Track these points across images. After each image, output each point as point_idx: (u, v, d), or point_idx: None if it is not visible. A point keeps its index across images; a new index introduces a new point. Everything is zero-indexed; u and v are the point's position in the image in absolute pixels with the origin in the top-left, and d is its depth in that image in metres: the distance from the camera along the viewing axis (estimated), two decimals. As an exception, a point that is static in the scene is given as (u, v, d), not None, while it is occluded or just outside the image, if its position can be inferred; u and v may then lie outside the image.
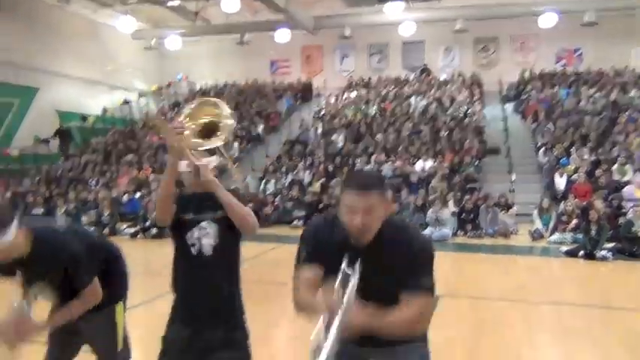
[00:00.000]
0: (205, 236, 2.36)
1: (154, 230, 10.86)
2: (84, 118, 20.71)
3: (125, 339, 2.78)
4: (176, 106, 22.53)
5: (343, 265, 1.96)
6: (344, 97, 21.03)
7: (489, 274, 7.81)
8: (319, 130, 17.91)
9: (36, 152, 18.03)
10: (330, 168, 14.75)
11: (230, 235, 2.38)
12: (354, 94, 20.77)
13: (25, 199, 13.35)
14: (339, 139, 16.85)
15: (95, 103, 21.81)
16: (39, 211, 12.37)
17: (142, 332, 3.56)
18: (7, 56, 18.41)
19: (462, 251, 9.94)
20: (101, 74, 22.32)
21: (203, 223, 2.36)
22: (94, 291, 2.50)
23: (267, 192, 13.80)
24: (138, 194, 13.55)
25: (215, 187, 2.31)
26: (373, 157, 15.05)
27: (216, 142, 2.41)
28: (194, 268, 2.38)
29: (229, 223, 2.34)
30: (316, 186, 13.91)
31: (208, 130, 2.43)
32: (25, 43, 18.94)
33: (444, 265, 7.13)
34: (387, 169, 14.26)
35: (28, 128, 19.02)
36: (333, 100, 21.02)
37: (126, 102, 21.53)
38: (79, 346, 2.75)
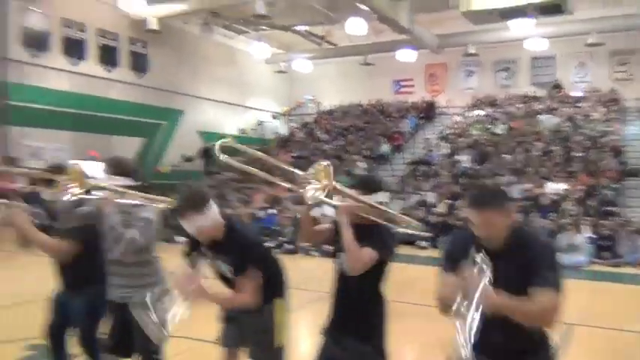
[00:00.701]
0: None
1: (290, 246, 11.61)
2: (222, 138, 22.49)
3: (282, 345, 3.12)
4: (304, 126, 23.72)
5: (478, 259, 2.29)
6: (469, 116, 20.87)
7: (627, 306, 7.52)
8: (443, 150, 17.97)
9: (183, 169, 19.95)
10: (456, 189, 14.78)
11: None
12: (478, 113, 20.52)
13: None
14: (464, 159, 16.79)
15: (232, 123, 23.61)
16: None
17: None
18: (158, 83, 20.66)
19: (597, 280, 9.56)
20: (237, 97, 24.16)
21: None
22: (257, 290, 2.89)
23: (393, 212, 14.12)
24: (272, 211, 14.52)
25: (342, 226, 2.64)
26: (501, 179, 14.85)
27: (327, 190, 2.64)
28: (340, 285, 2.82)
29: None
30: (442, 207, 14.01)
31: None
32: (174, 70, 21.12)
33: (579, 294, 7.01)
34: (515, 191, 14.01)
35: (175, 147, 21.09)
36: (457, 118, 20.93)
37: (260, 123, 23.03)
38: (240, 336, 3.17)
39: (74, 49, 18.24)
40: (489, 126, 18.97)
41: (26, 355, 4.47)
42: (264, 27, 22.48)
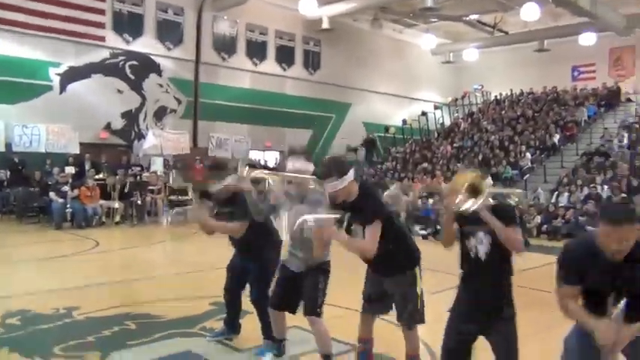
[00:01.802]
0: (480, 244, 2.99)
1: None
2: (386, 129, 23.11)
3: (422, 305, 3.52)
4: (470, 116, 23.29)
5: (610, 297, 2.50)
6: (659, 103, 18.76)
7: None
8: (625, 141, 16.45)
9: (347, 160, 20.97)
10: (635, 183, 13.54)
11: (500, 246, 2.94)
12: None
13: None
14: (648, 150, 15.26)
15: (396, 115, 24.08)
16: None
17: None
18: (329, 78, 21.95)
19: None
20: (403, 89, 24.57)
21: (479, 234, 2.98)
22: (376, 239, 3.26)
23: (560, 204, 13.42)
24: (430, 200, 14.73)
25: (492, 224, 2.87)
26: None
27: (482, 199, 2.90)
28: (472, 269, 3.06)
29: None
30: (616, 201, 12.96)
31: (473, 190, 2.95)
32: (344, 65, 22.22)
33: None
34: None
35: (341, 138, 22.23)
36: (645, 106, 18.94)
37: (423, 114, 23.17)
38: (388, 302, 3.60)
39: (256, 50, 20.25)
40: (683, 113, 16.87)
41: (210, 309, 5.40)
42: (433, 19, 22.57)
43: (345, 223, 3.43)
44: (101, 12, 16.21)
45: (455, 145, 20.00)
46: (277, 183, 3.94)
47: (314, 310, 3.76)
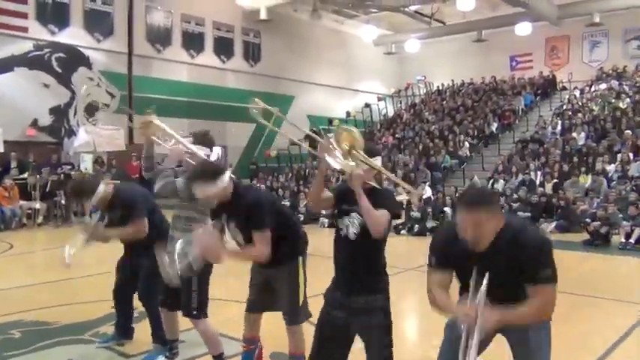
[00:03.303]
0: (352, 225, 2.77)
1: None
2: (330, 121, 22.94)
3: (305, 298, 3.32)
4: (412, 107, 23.41)
5: (472, 278, 2.35)
6: (591, 91, 19.26)
7: None
8: (558, 128, 16.82)
9: (290, 153, 20.74)
10: (566, 168, 13.84)
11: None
12: (601, 87, 18.86)
13: (277, 192, 15.59)
14: (580, 136, 15.61)
15: (340, 107, 23.95)
16: (286, 203, 14.31)
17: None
18: (270, 70, 21.60)
19: None
20: (345, 80, 24.45)
21: (353, 214, 2.76)
22: (264, 244, 3.06)
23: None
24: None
25: (358, 195, 2.64)
26: (619, 156, 13.65)
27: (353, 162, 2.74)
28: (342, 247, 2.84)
29: None
30: (548, 187, 13.22)
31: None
32: (285, 57, 21.89)
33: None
34: (634, 169, 12.85)
35: (284, 132, 21.91)
36: (577, 94, 19.42)
37: (367, 105, 23.13)
38: (272, 296, 3.37)
39: (193, 42, 19.67)
40: (612, 100, 17.36)
41: (109, 313, 4.84)
42: (373, 9, 22.50)
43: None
44: (23, 1, 15.33)
45: (397, 135, 20.04)
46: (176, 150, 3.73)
47: (190, 312, 3.51)
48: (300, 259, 3.33)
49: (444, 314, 2.49)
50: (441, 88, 24.39)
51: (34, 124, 15.73)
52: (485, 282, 2.27)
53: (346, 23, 23.80)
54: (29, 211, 12.24)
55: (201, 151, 3.74)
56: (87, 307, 5.34)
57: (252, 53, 21.57)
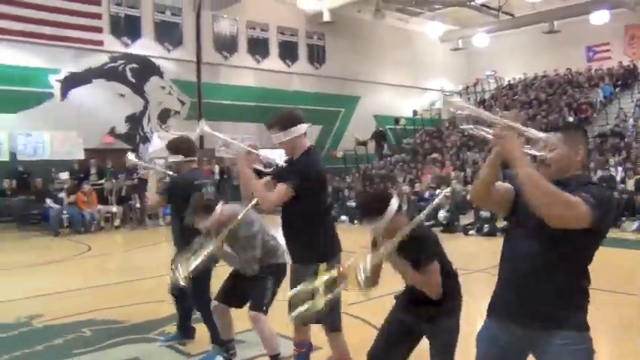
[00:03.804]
0: None
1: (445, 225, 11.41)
2: (397, 120, 22.67)
3: (334, 305, 3.05)
4: (482, 103, 22.71)
5: None
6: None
7: None
8: (641, 120, 15.81)
9: (356, 153, 20.67)
10: (650, 163, 12.96)
11: None
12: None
13: (343, 193, 15.56)
14: (665, 128, 14.59)
15: (407, 106, 23.62)
16: (352, 204, 14.24)
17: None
18: (335, 72, 21.62)
19: None
20: (412, 79, 24.07)
21: None
22: (282, 195, 3.09)
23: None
24: (437, 191, 14.32)
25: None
26: None
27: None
28: None
29: None
30: (630, 183, 12.40)
31: None
32: (350, 58, 21.84)
33: None
34: None
35: (350, 132, 21.88)
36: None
37: (433, 103, 22.68)
38: None
39: (258, 47, 20.03)
40: (703, 89, 16.11)
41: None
42: (438, 5, 22.05)
43: None
44: (98, 16, 16.16)
45: (465, 133, 19.47)
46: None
47: (260, 306, 3.53)
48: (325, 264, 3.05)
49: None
50: (512, 82, 23.52)
51: (112, 132, 16.54)
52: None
53: (411, 21, 23.46)
54: (107, 215, 12.85)
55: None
56: (155, 306, 5.50)
57: (317, 56, 21.68)
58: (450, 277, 2.73)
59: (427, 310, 2.68)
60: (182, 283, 3.40)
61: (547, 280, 1.98)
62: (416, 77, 24.18)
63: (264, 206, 3.12)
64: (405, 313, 2.78)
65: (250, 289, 3.64)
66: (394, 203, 2.65)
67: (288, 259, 3.59)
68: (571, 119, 17.57)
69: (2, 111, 14.39)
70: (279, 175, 3.20)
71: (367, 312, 4.63)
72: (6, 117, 14.50)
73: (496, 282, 2.19)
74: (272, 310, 3.98)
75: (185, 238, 3.80)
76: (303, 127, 3.14)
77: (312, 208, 3.15)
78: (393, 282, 2.87)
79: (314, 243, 3.15)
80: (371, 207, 2.72)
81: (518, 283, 2.04)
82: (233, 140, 3.60)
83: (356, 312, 4.66)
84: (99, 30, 16.18)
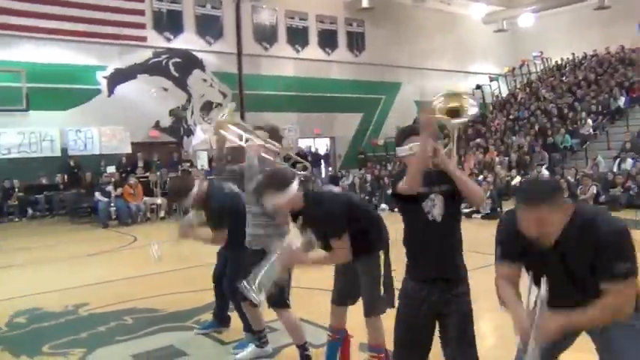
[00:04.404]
0: (435, 206, 2.61)
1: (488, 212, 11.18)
2: (439, 106, 22.24)
3: (386, 291, 3.20)
4: (528, 85, 22.07)
5: (528, 281, 2.17)
6: None
7: None
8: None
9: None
10: None
11: (453, 206, 2.63)
12: None
13: (383, 181, 15.47)
14: None
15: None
16: (390, 191, 14.15)
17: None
18: (376, 58, 21.45)
19: None
20: (454, 63, 23.60)
21: (432, 195, 2.60)
22: (342, 248, 3.05)
23: (619, 172, 12.40)
24: (481, 177, 14.05)
25: (452, 172, 2.53)
26: None
27: (458, 120, 2.64)
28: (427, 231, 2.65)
29: (453, 195, 2.60)
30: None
31: (453, 113, 2.66)
32: (390, 44, 21.61)
33: None
34: None
35: (392, 120, 21.69)
36: None
37: (478, 87, 22.16)
38: (354, 287, 3.33)
39: (298, 37, 20.06)
40: None
41: (212, 301, 4.93)
42: (480, -14, 21.51)
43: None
44: (141, 12, 16.55)
45: (510, 117, 19.00)
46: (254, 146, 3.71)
47: (279, 303, 3.57)
48: (382, 252, 3.25)
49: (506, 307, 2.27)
50: (560, 62, 22.72)
51: (157, 125, 16.98)
52: (544, 287, 2.05)
53: (453, 3, 22.96)
54: (152, 206, 13.22)
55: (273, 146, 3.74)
56: (194, 295, 5.66)
57: (357, 43, 21.53)
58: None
59: (439, 287, 2.60)
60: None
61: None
62: (459, 61, 23.70)
63: (346, 260, 3.17)
64: (415, 301, 2.65)
65: None
66: None
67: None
68: (622, 99, 16.86)
69: (53, 108, 14.99)
70: (320, 235, 3.16)
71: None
72: (57, 114, 15.11)
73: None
74: (304, 299, 4.05)
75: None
76: (295, 186, 3.07)
77: (361, 234, 3.19)
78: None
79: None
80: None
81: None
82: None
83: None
84: (142, 26, 16.58)
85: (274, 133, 3.91)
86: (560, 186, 2.26)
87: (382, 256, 3.27)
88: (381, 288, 3.23)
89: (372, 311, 3.22)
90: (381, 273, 3.23)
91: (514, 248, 2.23)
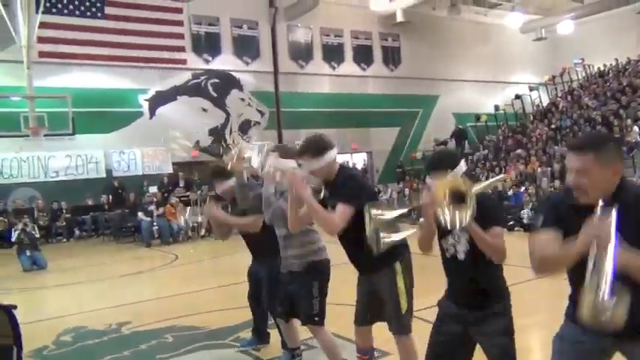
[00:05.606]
0: (458, 243, 2.54)
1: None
2: (477, 117, 21.98)
3: (410, 306, 3.10)
4: (570, 93, 21.54)
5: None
6: None
7: None
8: None
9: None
10: None
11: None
12: None
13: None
14: None
15: (488, 102, 22.84)
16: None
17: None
18: (412, 72, 21.40)
19: None
20: (492, 73, 23.31)
21: (455, 231, 2.49)
22: (340, 217, 2.90)
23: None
24: (522, 188, 13.74)
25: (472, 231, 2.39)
26: None
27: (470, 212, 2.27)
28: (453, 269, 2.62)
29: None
30: None
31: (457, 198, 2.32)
32: (426, 57, 21.54)
33: None
34: None
35: (430, 132, 21.53)
36: None
37: (517, 97, 21.76)
38: (378, 305, 3.20)
39: (333, 54, 20.22)
40: None
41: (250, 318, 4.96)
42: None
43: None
44: (180, 36, 17.04)
45: (552, 126, 18.54)
46: (271, 172, 3.51)
47: (310, 318, 3.55)
48: (399, 264, 3.11)
49: (558, 268, 2.07)
50: (602, 69, 22.11)
51: (197, 145, 17.32)
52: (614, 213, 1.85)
53: (489, 14, 22.73)
54: (194, 225, 13.45)
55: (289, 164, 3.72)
56: (233, 312, 5.68)
57: (392, 57, 21.55)
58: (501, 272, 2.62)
59: (474, 313, 2.56)
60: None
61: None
62: (496, 71, 23.40)
63: (328, 230, 2.98)
64: (450, 321, 2.63)
65: (298, 297, 3.64)
66: (463, 165, 2.60)
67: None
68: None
69: (98, 131, 15.52)
70: (330, 200, 3.10)
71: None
72: (101, 137, 15.63)
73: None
74: (338, 314, 4.02)
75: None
76: (333, 153, 3.06)
77: None
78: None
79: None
80: (442, 160, 2.65)
81: None
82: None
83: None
84: (182, 49, 17.05)
85: (288, 150, 3.89)
86: (614, 139, 2.13)
87: (399, 269, 3.11)
88: (404, 304, 3.10)
89: (400, 329, 3.11)
90: (403, 287, 3.12)
91: (558, 216, 2.08)
